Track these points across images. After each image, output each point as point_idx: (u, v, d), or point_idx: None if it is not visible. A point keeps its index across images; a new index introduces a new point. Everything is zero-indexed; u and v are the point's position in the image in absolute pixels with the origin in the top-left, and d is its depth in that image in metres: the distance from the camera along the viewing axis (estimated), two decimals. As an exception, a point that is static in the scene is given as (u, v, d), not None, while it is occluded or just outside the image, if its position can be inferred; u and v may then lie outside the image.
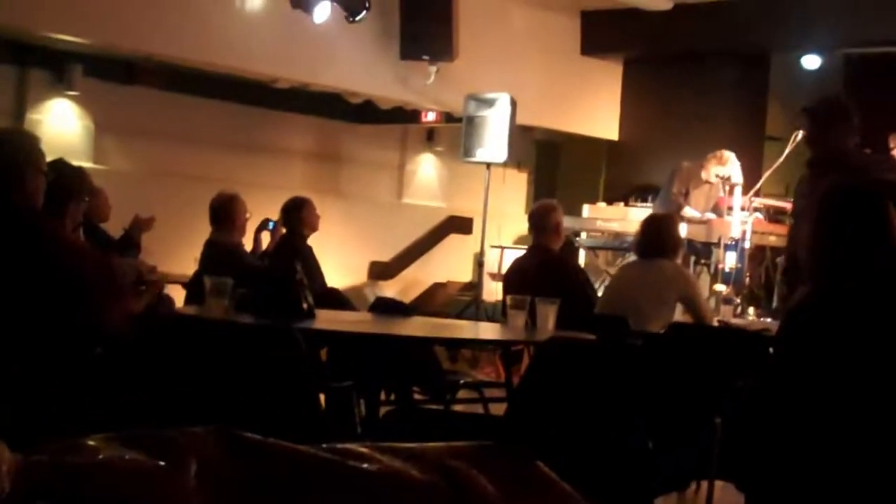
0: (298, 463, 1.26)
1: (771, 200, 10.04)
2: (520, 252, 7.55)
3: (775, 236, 9.60)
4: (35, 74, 10.76)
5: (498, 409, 5.44)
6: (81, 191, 4.49)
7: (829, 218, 3.20)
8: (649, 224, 6.33)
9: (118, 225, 7.84)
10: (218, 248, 6.73)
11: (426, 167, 13.84)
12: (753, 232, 9.19)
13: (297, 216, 7.30)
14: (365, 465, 1.27)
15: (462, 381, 5.89)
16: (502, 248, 11.23)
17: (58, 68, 10.70)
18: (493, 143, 9.61)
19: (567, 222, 7.68)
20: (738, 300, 8.71)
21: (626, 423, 4.27)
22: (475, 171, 10.51)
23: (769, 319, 7.89)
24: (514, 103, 9.58)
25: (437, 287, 12.65)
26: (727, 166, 9.38)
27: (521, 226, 12.44)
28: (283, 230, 7.35)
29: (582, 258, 10.27)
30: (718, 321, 7.39)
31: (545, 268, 6.59)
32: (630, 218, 9.89)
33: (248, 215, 6.97)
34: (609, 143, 12.38)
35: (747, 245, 9.11)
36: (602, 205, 10.96)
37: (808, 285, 3.25)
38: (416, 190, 13.71)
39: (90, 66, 10.69)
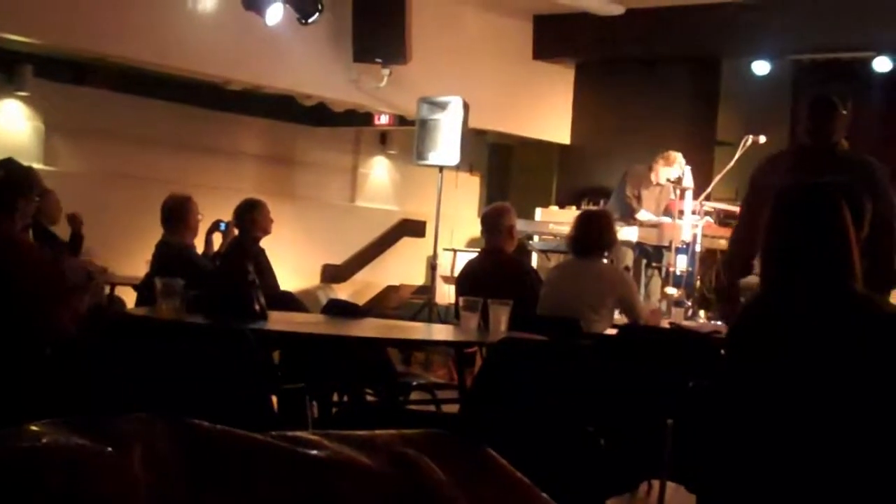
0: (246, 449, 1.25)
1: (722, 204, 10.12)
2: (473, 255, 7.55)
3: (725, 239, 9.66)
4: (-16, 74, 10.67)
5: (451, 410, 5.44)
6: (31, 190, 4.45)
7: (787, 218, 3.21)
8: (584, 221, 6.33)
9: (66, 227, 7.79)
10: (169, 250, 6.70)
11: (379, 170, 13.83)
12: (704, 235, 9.26)
13: (250, 218, 7.27)
14: (314, 452, 1.27)
15: (415, 383, 5.89)
16: (455, 251, 11.24)
17: (7, 68, 10.58)
18: (446, 146, 9.61)
19: (520, 225, 7.69)
20: (690, 303, 8.78)
21: (577, 424, 4.29)
22: (428, 174, 10.51)
23: (720, 322, 7.96)
24: (466, 107, 9.60)
25: (389, 290, 12.64)
26: (675, 167, 9.46)
27: (474, 229, 12.45)
28: (236, 232, 7.31)
29: (534, 261, 10.29)
30: (670, 323, 7.44)
31: (498, 270, 6.59)
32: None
33: (200, 217, 6.94)
34: (561, 147, 12.44)
35: (698, 248, 9.18)
36: (554, 208, 11.00)
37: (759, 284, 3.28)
38: (369, 193, 13.69)
39: (40, 66, 10.59)
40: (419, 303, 10.40)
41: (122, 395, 3.70)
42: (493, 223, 6.83)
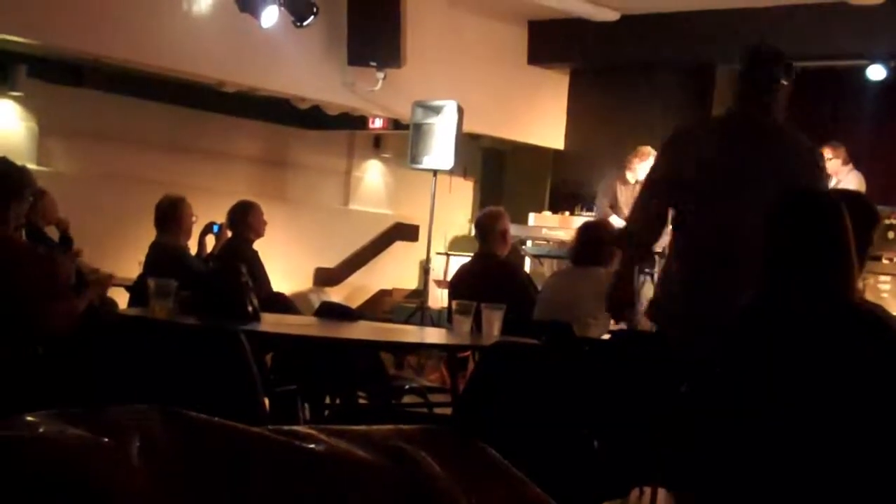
0: (243, 442, 1.25)
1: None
2: (466, 259, 7.56)
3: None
4: (-23, 74, 10.65)
5: (443, 414, 5.44)
6: (25, 190, 4.44)
7: (787, 224, 3.20)
8: (585, 232, 6.33)
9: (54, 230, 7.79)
10: (163, 251, 6.69)
11: (373, 174, 13.83)
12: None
13: (244, 220, 7.27)
14: (311, 446, 1.27)
15: (407, 387, 5.89)
16: (448, 255, 11.25)
17: (1, 68, 10.57)
18: (440, 150, 9.63)
19: (513, 230, 7.70)
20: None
21: (570, 428, 4.28)
22: (422, 178, 10.52)
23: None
24: (461, 111, 9.61)
25: (382, 294, 12.64)
26: (650, 159, 9.47)
27: (467, 233, 12.47)
28: (229, 234, 7.31)
29: (527, 266, 10.30)
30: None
31: (491, 274, 6.59)
32: (575, 227, 9.92)
33: (194, 219, 6.93)
34: (555, 153, 12.45)
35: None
36: (547, 213, 11.01)
37: (755, 287, 3.26)
38: (362, 196, 13.69)
39: (35, 66, 10.58)
40: (412, 307, 10.40)
41: (114, 395, 3.69)
42: (487, 228, 6.83)
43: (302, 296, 11.19)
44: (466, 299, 5.14)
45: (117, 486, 1.10)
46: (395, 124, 11.63)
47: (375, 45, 10.01)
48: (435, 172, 9.71)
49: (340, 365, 5.25)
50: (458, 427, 4.04)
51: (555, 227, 10.49)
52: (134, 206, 8.82)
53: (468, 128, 10.08)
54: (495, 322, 4.87)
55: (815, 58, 10.62)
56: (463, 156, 10.16)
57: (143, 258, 6.84)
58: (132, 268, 7.06)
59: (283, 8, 9.08)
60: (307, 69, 10.12)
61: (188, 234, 6.97)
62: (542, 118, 12.20)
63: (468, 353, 5.72)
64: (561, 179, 12.37)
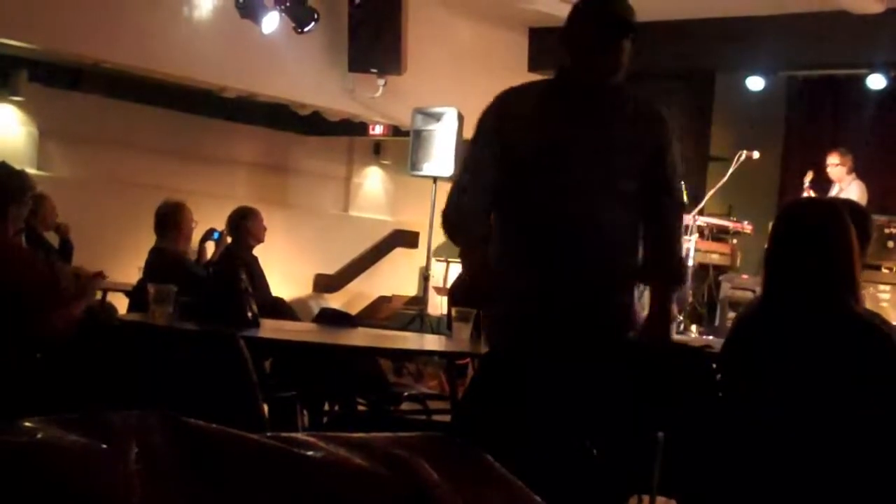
0: (241, 448, 1.25)
1: (714, 219, 10.15)
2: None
3: (718, 254, 9.73)
4: (-22, 79, 10.66)
5: (442, 421, 5.43)
6: (24, 194, 4.44)
7: (792, 231, 3.19)
8: None
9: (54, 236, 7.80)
10: (163, 256, 6.69)
11: (373, 180, 13.83)
12: (696, 250, 9.27)
13: (244, 226, 7.27)
14: (310, 453, 1.27)
15: (406, 394, 5.88)
16: (448, 262, 11.23)
17: (2, 73, 10.58)
18: (440, 157, 9.63)
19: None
20: (682, 317, 8.78)
21: (569, 437, 4.28)
22: (422, 184, 10.51)
23: (711, 337, 7.97)
24: (461, 118, 9.61)
25: (382, 300, 12.62)
26: None
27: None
28: (229, 239, 7.31)
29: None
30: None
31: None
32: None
33: (194, 224, 6.93)
34: (555, 160, 12.42)
35: (690, 263, 9.18)
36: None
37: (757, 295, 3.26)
38: (362, 203, 13.69)
39: (35, 71, 10.59)
40: (411, 313, 10.39)
41: (113, 401, 3.69)
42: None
43: (301, 302, 11.18)
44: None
45: (115, 492, 1.10)
46: (396, 131, 11.63)
47: (376, 51, 10.01)
48: (435, 179, 9.71)
49: (339, 371, 5.25)
50: (458, 434, 4.04)
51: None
52: (134, 211, 8.82)
53: (468, 134, 10.05)
54: (495, 329, 4.86)
55: (816, 67, 10.64)
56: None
57: (142, 263, 6.83)
58: (132, 273, 7.06)
59: (284, 14, 9.09)
60: (308, 75, 10.12)
61: (188, 240, 6.96)
62: (543, 125, 12.17)
63: (467, 360, 5.72)
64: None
